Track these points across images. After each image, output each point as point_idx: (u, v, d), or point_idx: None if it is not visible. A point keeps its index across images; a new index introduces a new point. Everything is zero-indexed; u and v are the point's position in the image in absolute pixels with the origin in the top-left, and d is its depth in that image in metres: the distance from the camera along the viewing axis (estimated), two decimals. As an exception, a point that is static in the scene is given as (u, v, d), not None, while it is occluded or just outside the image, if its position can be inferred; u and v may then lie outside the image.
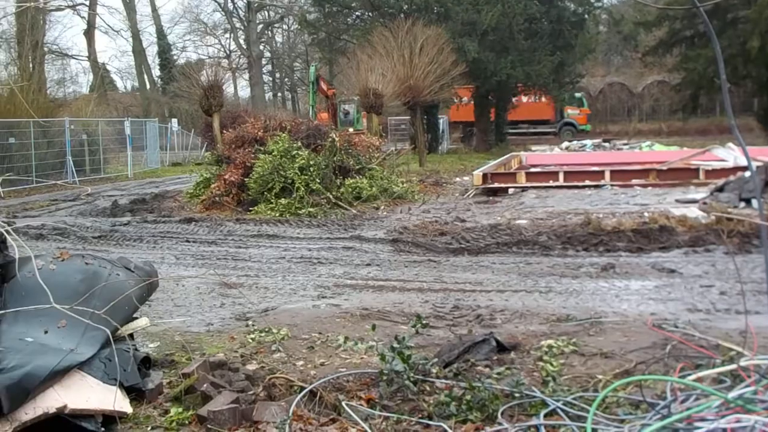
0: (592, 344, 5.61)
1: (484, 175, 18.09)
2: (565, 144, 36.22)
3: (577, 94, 45.61)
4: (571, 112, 46.50)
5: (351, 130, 22.11)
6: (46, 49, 37.77)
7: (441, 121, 40.55)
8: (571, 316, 6.56)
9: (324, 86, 34.43)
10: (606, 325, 6.19)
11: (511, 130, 43.47)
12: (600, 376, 4.84)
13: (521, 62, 34.74)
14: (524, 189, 17.42)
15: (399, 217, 13.83)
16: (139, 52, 56.12)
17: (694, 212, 12.12)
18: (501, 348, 5.45)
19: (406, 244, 10.98)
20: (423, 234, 11.59)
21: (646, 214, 12.10)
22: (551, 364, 5.11)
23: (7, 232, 3.84)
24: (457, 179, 21.64)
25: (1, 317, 4.46)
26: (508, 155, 24.73)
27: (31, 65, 28.97)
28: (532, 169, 20.84)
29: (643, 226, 10.74)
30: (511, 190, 17.66)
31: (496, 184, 17.97)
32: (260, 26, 59.88)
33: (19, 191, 21.93)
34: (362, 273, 9.24)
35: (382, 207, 15.37)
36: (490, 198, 16.68)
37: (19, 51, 28.39)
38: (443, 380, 4.72)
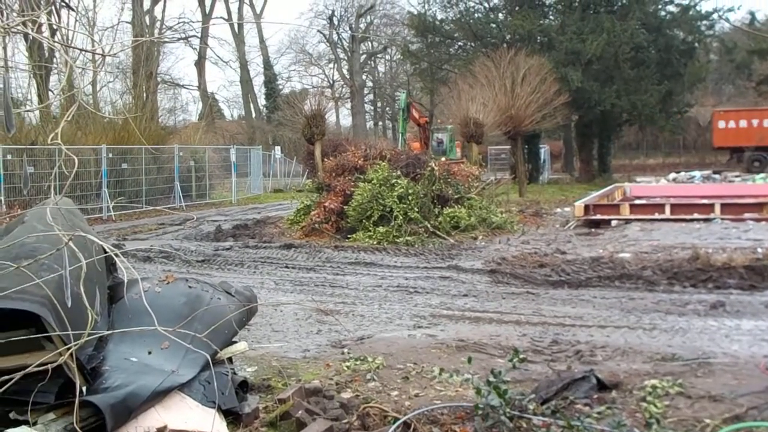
0: (700, 386, 5.33)
1: (586, 207, 17.68)
2: (672, 175, 35.02)
3: None
4: None
5: (443, 159, 22.08)
6: (159, 79, 39.61)
7: (542, 150, 40.06)
8: (677, 356, 6.27)
9: (416, 114, 34.45)
10: (715, 367, 5.88)
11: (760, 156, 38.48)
12: (708, 421, 4.59)
13: (627, 91, 34.01)
14: (628, 221, 16.90)
15: (497, 248, 13.66)
16: (246, 81, 58.17)
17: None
18: (602, 386, 5.26)
19: (504, 275, 10.82)
20: (522, 265, 11.39)
21: (759, 249, 11.50)
22: (655, 406, 4.89)
23: (117, 255, 3.99)
24: (558, 210, 21.24)
25: (108, 337, 4.63)
26: (611, 186, 24.11)
27: (144, 94, 30.42)
28: (637, 201, 20.20)
29: (757, 262, 10.21)
30: (614, 222, 17.17)
31: (598, 216, 17.52)
32: (363, 56, 61.04)
33: (129, 215, 22.97)
34: (459, 303, 9.15)
35: (481, 237, 15.23)
36: (592, 230, 16.27)
37: (134, 81, 29.89)
38: (540, 417, 4.58)
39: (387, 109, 68.59)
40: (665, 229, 15.21)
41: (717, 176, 34.59)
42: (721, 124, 38.97)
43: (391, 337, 7.34)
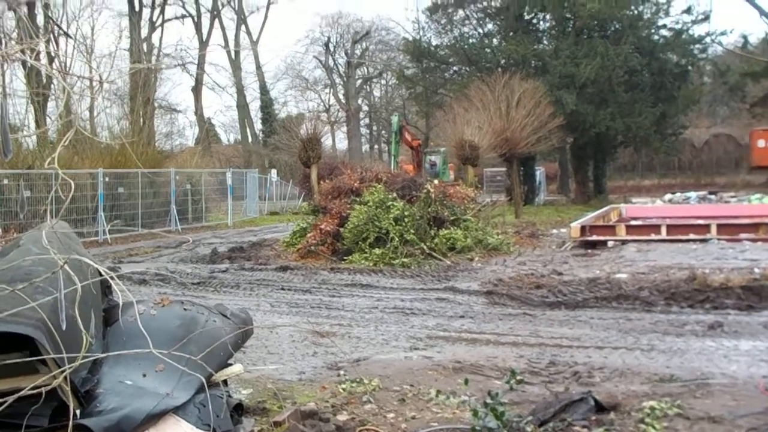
0: (699, 407, 5.30)
1: (582, 228, 17.69)
2: (668, 196, 35.09)
3: None
4: None
5: (436, 181, 22.15)
6: (156, 104, 39.71)
7: (538, 172, 40.18)
8: (676, 377, 6.24)
9: (408, 137, 34.52)
10: (713, 388, 5.85)
11: None
12: (707, 442, 4.55)
13: (621, 114, 34.23)
14: (624, 242, 16.90)
15: (494, 269, 13.64)
16: (242, 106, 58.39)
17: (809, 269, 11.43)
18: (600, 408, 5.22)
19: (500, 296, 10.79)
20: (518, 287, 11.37)
21: (756, 270, 11.50)
22: (654, 427, 4.85)
23: (112, 278, 3.98)
24: (554, 231, 21.25)
25: (103, 360, 4.60)
26: (607, 207, 24.14)
27: (141, 120, 30.49)
28: (633, 222, 20.22)
29: (754, 282, 10.20)
30: (610, 243, 17.17)
31: (594, 237, 17.53)
32: (359, 81, 61.42)
33: (125, 238, 22.92)
34: (455, 325, 9.11)
35: (477, 258, 15.22)
36: (589, 251, 16.26)
37: (132, 107, 29.97)
38: (538, 439, 4.55)
39: (383, 132, 68.87)
40: (661, 250, 15.21)
41: (713, 197, 34.67)
42: (761, 143, 38.91)
43: (388, 359, 7.30)
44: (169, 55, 54.18)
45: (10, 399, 3.67)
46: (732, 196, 34.31)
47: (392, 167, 28.62)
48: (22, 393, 3.66)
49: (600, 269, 12.91)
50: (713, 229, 16.83)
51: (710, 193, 37.14)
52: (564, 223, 22.87)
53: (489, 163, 33.21)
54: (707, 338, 7.91)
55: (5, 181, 19.89)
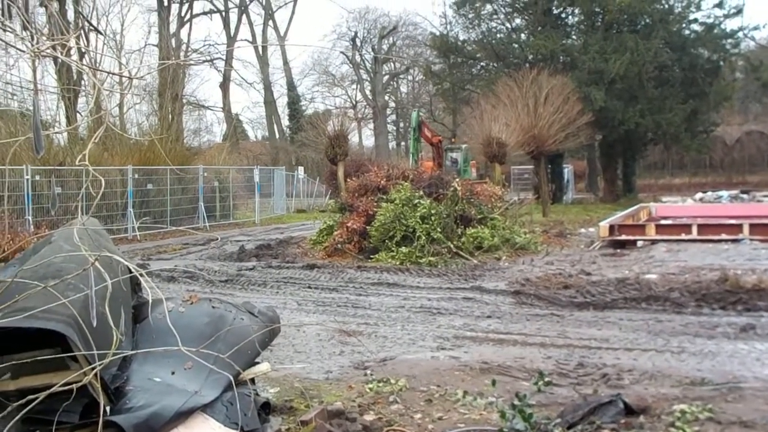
0: (731, 411, 5.23)
1: (611, 227, 17.53)
2: (699, 195, 34.67)
3: None
4: None
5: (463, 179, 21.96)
6: (184, 100, 40.07)
7: (566, 170, 39.88)
8: (707, 380, 6.16)
9: (428, 133, 34.26)
10: (746, 391, 5.77)
11: None
12: (740, 447, 4.50)
13: (651, 111, 33.85)
14: (654, 242, 16.72)
15: (521, 269, 13.58)
16: (270, 103, 58.67)
17: None
18: (629, 411, 5.17)
19: (528, 296, 10.74)
20: (546, 286, 11.30)
21: (790, 271, 11.32)
22: (684, 431, 4.80)
23: (141, 275, 4.02)
24: (582, 230, 21.09)
25: (132, 357, 4.65)
26: (636, 206, 23.90)
27: (170, 116, 30.73)
28: (663, 221, 20.00)
29: (788, 284, 10.04)
30: (639, 243, 17.00)
31: (623, 237, 17.36)
32: (386, 77, 61.40)
33: (154, 235, 23.14)
34: (482, 325, 9.08)
35: (504, 258, 15.16)
36: (617, 251, 16.12)
37: (160, 103, 30.22)
38: (566, 442, 4.52)
39: (409, 129, 68.81)
40: (692, 250, 15.02)
41: (745, 196, 34.19)
42: None
43: (414, 358, 7.29)
44: (197, 51, 54.64)
45: (42, 395, 3.72)
46: (765, 195, 33.81)
47: (411, 164, 28.34)
48: (53, 389, 3.71)
49: (629, 269, 12.79)
50: (745, 229, 16.57)
51: (742, 191, 36.62)
52: (592, 222, 22.71)
53: (516, 160, 33.10)
54: (739, 341, 7.81)
55: (37, 178, 20.17)
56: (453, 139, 40.11)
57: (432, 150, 35.68)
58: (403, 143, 69.37)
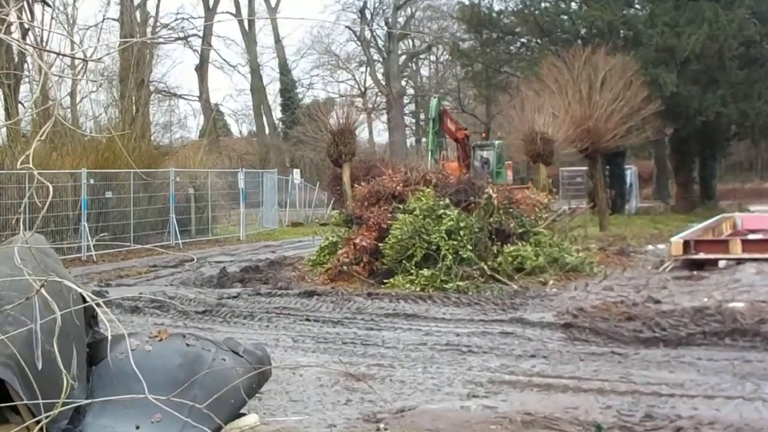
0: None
1: (686, 243, 17.49)
2: (796, 203, 34.59)
3: None
4: None
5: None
6: (151, 88, 40.32)
7: (629, 172, 39.82)
8: (808, 435, 6.13)
9: (451, 125, 34.01)
10: None
11: None
12: None
13: (735, 97, 33.76)
14: (739, 262, 16.68)
15: (573, 296, 13.56)
16: (257, 90, 58.96)
17: None
18: (710, 474, 5.15)
19: (581, 330, 10.71)
20: (604, 318, 11.27)
21: None
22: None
23: (98, 305, 4.03)
24: (650, 247, 21.05)
25: (87, 407, 4.67)
26: (717, 217, 23.85)
27: (134, 107, 30.91)
28: (751, 236, 19.93)
29: None
30: (722, 263, 16.95)
31: (701, 255, 17.31)
32: (402, 58, 61.51)
33: (115, 255, 23.24)
34: (524, 367, 9.06)
35: (551, 282, 15.14)
36: (694, 273, 16.07)
37: (122, 90, 30.43)
38: None
39: (429, 120, 68.98)
40: (788, 272, 14.99)
41: None
42: None
43: (439, 409, 7.29)
44: (168, 27, 55.04)
45: (-25, 455, 3.73)
46: None
47: (429, 164, 28.05)
48: (-12, 448, 3.73)
49: (709, 296, 12.75)
50: None
51: None
52: (662, 237, 22.65)
53: (566, 160, 33.05)
54: None
55: (-31, 185, 20.35)
56: (483, 134, 40.09)
57: (457, 147, 35.53)
58: (423, 140, 69.60)
